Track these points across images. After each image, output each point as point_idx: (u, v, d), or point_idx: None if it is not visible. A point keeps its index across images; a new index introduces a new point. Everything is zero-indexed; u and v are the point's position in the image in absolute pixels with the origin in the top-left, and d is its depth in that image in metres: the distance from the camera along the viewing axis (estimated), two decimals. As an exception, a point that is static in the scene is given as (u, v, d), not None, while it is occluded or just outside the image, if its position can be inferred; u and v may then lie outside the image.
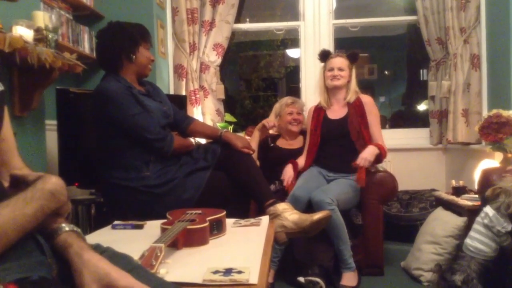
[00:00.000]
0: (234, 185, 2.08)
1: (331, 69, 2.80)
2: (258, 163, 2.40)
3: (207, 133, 2.32)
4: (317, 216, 1.96)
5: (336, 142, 2.73)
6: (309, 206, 2.47)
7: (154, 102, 2.13)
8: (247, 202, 2.20)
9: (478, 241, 2.01)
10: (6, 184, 0.86)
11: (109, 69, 2.12)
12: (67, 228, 0.80)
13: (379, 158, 2.62)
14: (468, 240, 2.04)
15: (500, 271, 2.04)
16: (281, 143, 3.11)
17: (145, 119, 2.02)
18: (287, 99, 3.21)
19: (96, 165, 2.14)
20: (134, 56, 2.10)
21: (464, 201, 2.51)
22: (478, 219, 2.05)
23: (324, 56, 2.90)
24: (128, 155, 2.03)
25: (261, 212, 2.02)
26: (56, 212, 0.80)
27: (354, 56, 2.85)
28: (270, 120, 3.02)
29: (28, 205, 0.74)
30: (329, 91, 2.86)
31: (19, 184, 0.82)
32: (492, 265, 2.00)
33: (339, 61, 2.80)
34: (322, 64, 2.92)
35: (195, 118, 2.46)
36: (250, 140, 2.87)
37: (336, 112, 2.82)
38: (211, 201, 1.73)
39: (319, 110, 2.87)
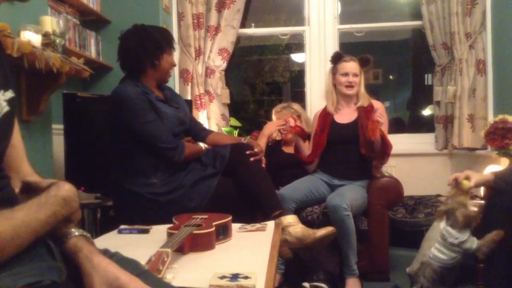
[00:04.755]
0: (241, 192, 2.07)
1: (346, 74, 2.73)
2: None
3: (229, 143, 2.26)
4: (320, 233, 1.95)
5: (343, 147, 2.70)
6: (304, 208, 2.53)
7: (170, 108, 2.13)
8: (254, 207, 2.19)
9: (436, 249, 2.13)
10: (16, 190, 0.87)
11: (130, 73, 2.12)
12: (76, 233, 0.81)
13: (385, 149, 2.57)
14: (432, 248, 2.18)
15: (468, 270, 2.21)
16: (285, 147, 3.10)
17: (157, 128, 2.01)
18: (275, 109, 3.17)
19: (107, 168, 2.15)
20: (158, 63, 2.10)
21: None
22: None
23: (337, 58, 2.81)
24: (138, 160, 2.03)
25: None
26: (67, 218, 0.81)
27: (366, 61, 2.79)
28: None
29: (42, 210, 0.75)
30: (339, 95, 2.81)
31: (31, 190, 0.83)
32: (451, 272, 2.14)
33: (354, 67, 2.74)
34: (331, 65, 2.85)
35: (212, 130, 2.47)
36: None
37: (345, 116, 2.78)
38: (218, 208, 1.73)
39: (326, 113, 2.82)
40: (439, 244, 2.14)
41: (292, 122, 2.66)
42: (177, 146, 2.05)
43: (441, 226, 2.13)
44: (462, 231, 2.06)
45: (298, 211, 2.49)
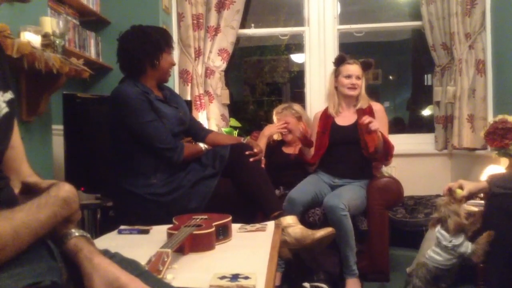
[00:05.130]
0: (240, 192, 2.07)
1: (349, 76, 2.75)
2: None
3: (229, 143, 2.26)
4: (319, 234, 1.95)
5: (344, 148, 2.71)
6: (307, 211, 2.52)
7: (170, 108, 2.13)
8: (254, 208, 2.19)
9: (432, 250, 2.16)
10: (16, 190, 0.87)
11: (130, 74, 2.13)
12: (76, 234, 0.81)
13: (387, 150, 2.58)
14: (428, 250, 2.21)
15: (468, 270, 2.21)
16: (286, 148, 3.10)
17: (157, 128, 2.01)
18: (276, 110, 3.17)
19: (107, 168, 2.15)
20: (157, 63, 2.10)
21: (470, 207, 2.49)
22: None
23: (341, 61, 2.82)
24: (138, 160, 2.03)
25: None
26: (67, 218, 0.81)
27: (368, 65, 2.82)
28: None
29: (42, 211, 0.75)
30: (341, 97, 2.82)
31: (31, 191, 0.83)
32: (448, 273, 2.16)
33: (357, 69, 2.76)
34: (332, 67, 2.87)
35: (212, 130, 2.47)
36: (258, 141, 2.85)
37: (346, 118, 2.79)
38: (218, 208, 1.73)
39: (327, 115, 2.84)
40: (435, 246, 2.17)
41: (299, 132, 2.64)
42: (176, 147, 2.05)
43: (436, 229, 2.16)
44: (456, 235, 2.09)
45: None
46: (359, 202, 2.55)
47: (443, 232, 2.12)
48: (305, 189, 2.57)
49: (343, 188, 2.60)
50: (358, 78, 2.76)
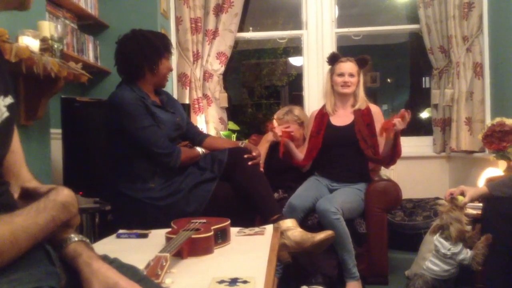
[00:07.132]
0: (239, 196, 2.07)
1: (341, 75, 2.73)
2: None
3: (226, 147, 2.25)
4: (319, 237, 1.95)
5: (340, 149, 2.70)
6: (307, 215, 2.51)
7: (166, 113, 2.13)
8: (252, 211, 2.19)
9: (430, 261, 2.19)
10: (15, 195, 0.87)
11: (127, 78, 2.13)
12: (76, 238, 0.81)
13: (395, 152, 2.58)
14: (426, 261, 2.24)
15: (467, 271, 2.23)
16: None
17: (154, 133, 2.01)
18: (277, 115, 3.15)
19: (105, 172, 2.15)
20: (156, 68, 2.11)
21: (468, 210, 2.50)
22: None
23: (333, 59, 2.81)
24: (136, 165, 2.03)
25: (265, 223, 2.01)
26: (66, 223, 0.81)
27: (364, 62, 2.79)
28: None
29: (40, 215, 0.75)
30: (337, 96, 2.81)
31: (30, 196, 0.83)
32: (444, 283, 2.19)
33: (350, 67, 2.73)
34: (329, 67, 2.85)
35: (209, 134, 2.47)
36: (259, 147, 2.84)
37: (341, 118, 2.77)
38: (216, 212, 1.73)
39: (322, 114, 2.82)
40: (433, 256, 2.18)
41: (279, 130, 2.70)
42: (173, 152, 2.05)
43: (434, 237, 2.17)
44: (454, 244, 2.10)
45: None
46: (355, 205, 2.54)
47: (441, 240, 2.13)
48: (305, 195, 2.56)
49: (337, 191, 2.60)
50: (351, 75, 2.73)
